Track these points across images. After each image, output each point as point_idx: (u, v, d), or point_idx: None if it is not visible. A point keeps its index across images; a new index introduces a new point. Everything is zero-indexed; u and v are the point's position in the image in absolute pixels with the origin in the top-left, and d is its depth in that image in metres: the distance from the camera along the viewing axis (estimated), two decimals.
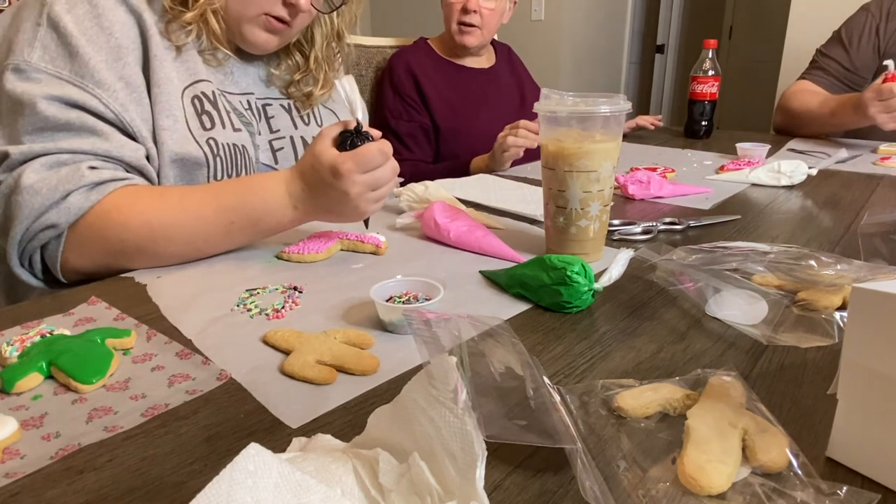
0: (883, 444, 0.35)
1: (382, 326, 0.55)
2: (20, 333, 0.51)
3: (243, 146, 0.82)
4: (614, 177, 0.71)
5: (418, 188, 0.88)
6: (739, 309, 0.56)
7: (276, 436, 0.40)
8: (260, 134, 0.88)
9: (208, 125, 0.78)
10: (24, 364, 0.46)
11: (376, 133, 0.69)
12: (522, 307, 0.60)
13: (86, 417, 0.42)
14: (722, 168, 1.23)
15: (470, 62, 1.60)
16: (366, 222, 0.74)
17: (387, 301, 0.55)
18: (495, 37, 1.67)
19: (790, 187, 1.10)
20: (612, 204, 0.72)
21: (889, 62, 1.39)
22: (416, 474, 0.29)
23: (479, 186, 1.09)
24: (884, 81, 1.37)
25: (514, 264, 0.66)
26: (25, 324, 0.55)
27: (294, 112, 0.95)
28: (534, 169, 1.29)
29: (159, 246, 0.68)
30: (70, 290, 0.64)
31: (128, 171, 0.71)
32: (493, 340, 0.44)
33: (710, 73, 1.63)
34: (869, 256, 0.69)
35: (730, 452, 0.36)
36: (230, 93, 0.85)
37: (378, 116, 1.56)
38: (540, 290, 0.59)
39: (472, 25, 1.48)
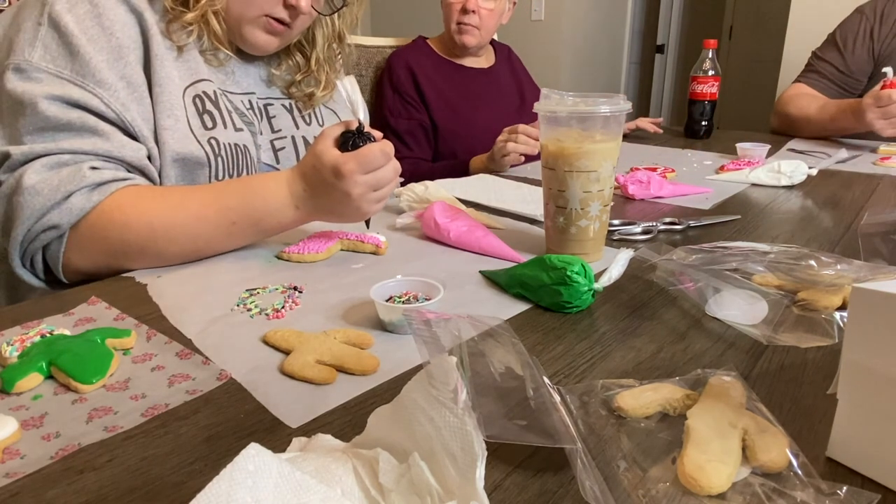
0: (883, 444, 0.35)
1: (382, 326, 0.55)
2: (20, 333, 0.51)
3: (245, 146, 0.82)
4: (614, 177, 0.71)
5: (418, 188, 0.88)
6: (739, 309, 0.56)
7: (276, 436, 0.40)
8: (262, 134, 0.88)
9: (210, 125, 0.78)
10: (24, 364, 0.46)
11: (378, 134, 0.70)
12: (522, 307, 0.60)
13: (86, 417, 0.42)
14: (722, 168, 1.23)
15: (469, 62, 1.60)
16: (367, 222, 0.74)
17: (387, 301, 0.55)
18: (495, 37, 1.67)
19: (790, 187, 1.10)
20: (612, 204, 0.72)
21: (888, 69, 1.39)
22: (416, 474, 0.29)
23: (479, 186, 1.09)
24: (882, 88, 1.37)
25: (514, 264, 0.66)
26: (25, 324, 0.56)
27: (295, 112, 0.95)
28: (534, 169, 1.29)
29: (161, 246, 0.68)
30: (70, 290, 0.64)
31: (129, 172, 0.71)
32: (493, 340, 0.44)
33: (710, 73, 1.62)
34: (869, 256, 0.68)
35: (730, 452, 0.36)
36: (232, 92, 0.85)
37: (377, 115, 1.56)
38: (540, 290, 0.59)
39: (471, 25, 1.48)
